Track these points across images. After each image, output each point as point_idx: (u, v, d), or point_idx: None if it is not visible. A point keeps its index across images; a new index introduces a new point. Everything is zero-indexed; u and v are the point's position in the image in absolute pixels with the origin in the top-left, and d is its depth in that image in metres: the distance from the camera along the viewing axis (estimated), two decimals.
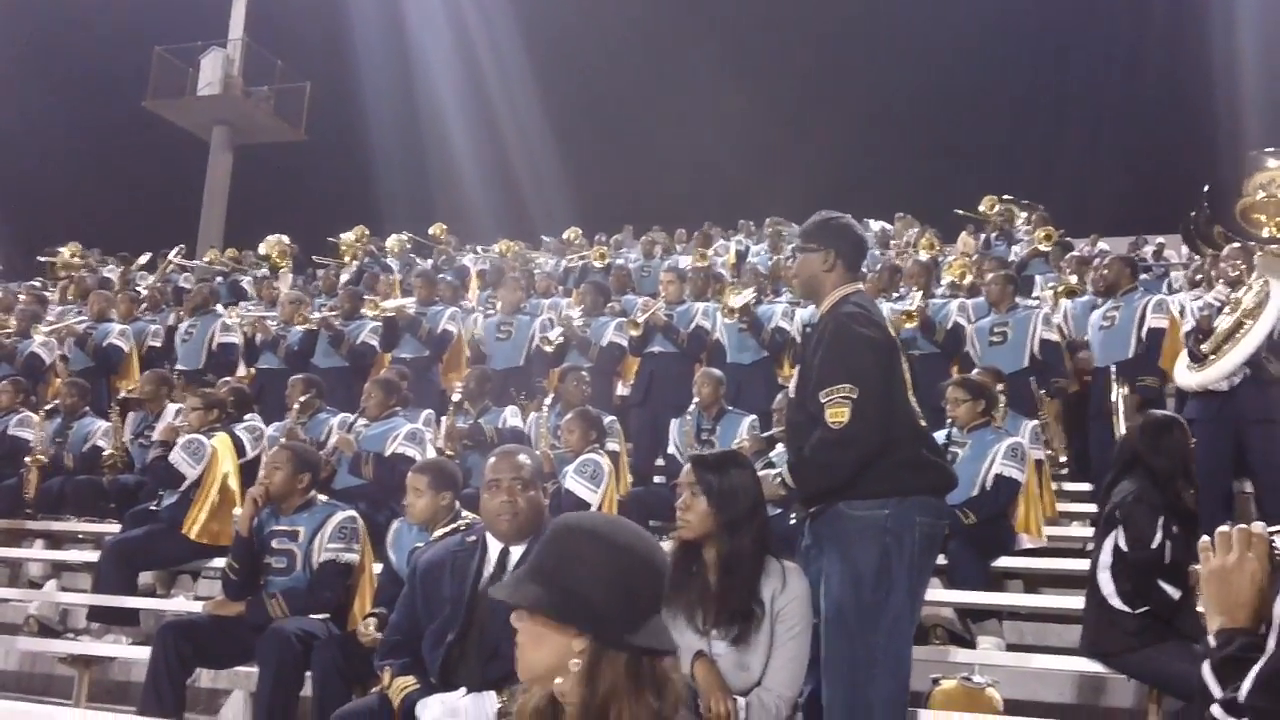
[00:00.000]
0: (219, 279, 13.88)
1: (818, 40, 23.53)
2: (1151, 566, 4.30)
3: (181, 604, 6.26)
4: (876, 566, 3.41)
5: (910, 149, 22.12)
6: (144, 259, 15.37)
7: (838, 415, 3.41)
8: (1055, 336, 8.04)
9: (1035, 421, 7.12)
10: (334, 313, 9.67)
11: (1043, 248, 11.34)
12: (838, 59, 23.04)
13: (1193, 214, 10.59)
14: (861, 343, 3.53)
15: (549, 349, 8.99)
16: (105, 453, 7.77)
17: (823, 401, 3.46)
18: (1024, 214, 13.18)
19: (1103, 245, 14.06)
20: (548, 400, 7.66)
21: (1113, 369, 7.25)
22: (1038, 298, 9.35)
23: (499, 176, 23.15)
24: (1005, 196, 13.62)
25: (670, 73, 23.21)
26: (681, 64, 23.50)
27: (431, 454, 6.82)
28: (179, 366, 9.72)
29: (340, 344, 9.28)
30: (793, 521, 4.17)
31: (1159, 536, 4.29)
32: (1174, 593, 4.29)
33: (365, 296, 10.07)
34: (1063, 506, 7.15)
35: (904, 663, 3.53)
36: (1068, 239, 13.10)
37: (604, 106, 23.45)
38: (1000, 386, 6.86)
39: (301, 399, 7.59)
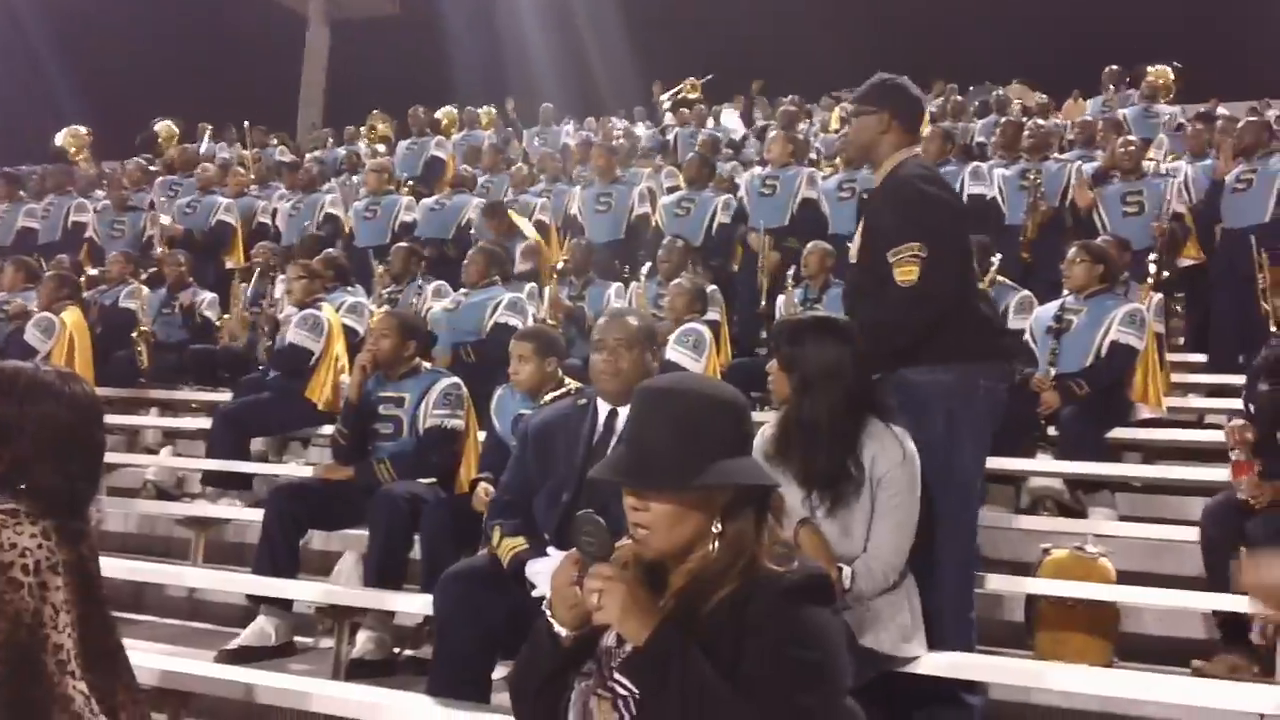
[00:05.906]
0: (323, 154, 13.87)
1: None
2: None
3: (293, 469, 6.41)
4: (942, 430, 3.44)
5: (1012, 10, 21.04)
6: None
7: (907, 274, 3.40)
8: (1183, 209, 7.90)
9: (1160, 295, 6.83)
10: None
11: None
12: None
13: None
14: (932, 202, 3.51)
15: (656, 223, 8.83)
16: (224, 316, 8.03)
17: (891, 261, 3.43)
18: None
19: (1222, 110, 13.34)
20: (644, 270, 7.60)
21: (1253, 239, 6.90)
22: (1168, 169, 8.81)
23: (582, 50, 22.53)
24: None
25: None
26: None
27: (532, 323, 6.82)
28: (284, 242, 9.71)
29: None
30: None
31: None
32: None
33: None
34: (1178, 378, 6.91)
35: (972, 525, 3.61)
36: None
37: None
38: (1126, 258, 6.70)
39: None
